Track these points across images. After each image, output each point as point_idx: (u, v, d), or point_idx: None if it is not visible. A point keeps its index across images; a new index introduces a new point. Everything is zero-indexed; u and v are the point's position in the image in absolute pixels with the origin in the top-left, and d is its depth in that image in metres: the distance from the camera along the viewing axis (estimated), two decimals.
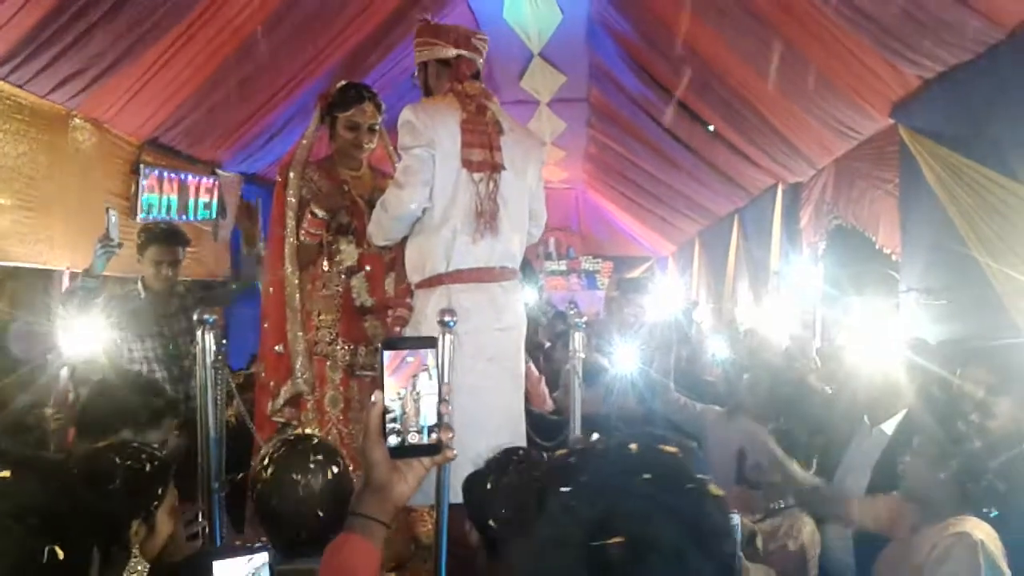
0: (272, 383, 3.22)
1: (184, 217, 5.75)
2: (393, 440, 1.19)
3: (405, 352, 1.20)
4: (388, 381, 1.19)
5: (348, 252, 3.26)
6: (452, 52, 2.95)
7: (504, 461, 2.11)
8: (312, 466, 2.01)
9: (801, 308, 6.09)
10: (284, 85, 5.74)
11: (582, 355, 3.12)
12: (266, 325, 3.29)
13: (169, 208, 5.57)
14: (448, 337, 2.58)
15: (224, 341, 2.63)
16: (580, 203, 13.26)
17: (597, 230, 13.44)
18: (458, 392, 2.65)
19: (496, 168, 2.88)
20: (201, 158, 6.08)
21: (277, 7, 4.76)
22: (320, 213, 3.15)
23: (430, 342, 1.24)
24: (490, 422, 2.77)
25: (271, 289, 3.28)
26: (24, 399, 3.26)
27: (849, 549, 2.88)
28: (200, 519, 2.48)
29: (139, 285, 4.01)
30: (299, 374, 3.15)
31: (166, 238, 4.04)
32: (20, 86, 3.97)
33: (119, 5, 3.81)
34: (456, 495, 2.29)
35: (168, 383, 3.72)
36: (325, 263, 3.24)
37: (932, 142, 3.93)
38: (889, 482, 2.58)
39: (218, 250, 6.62)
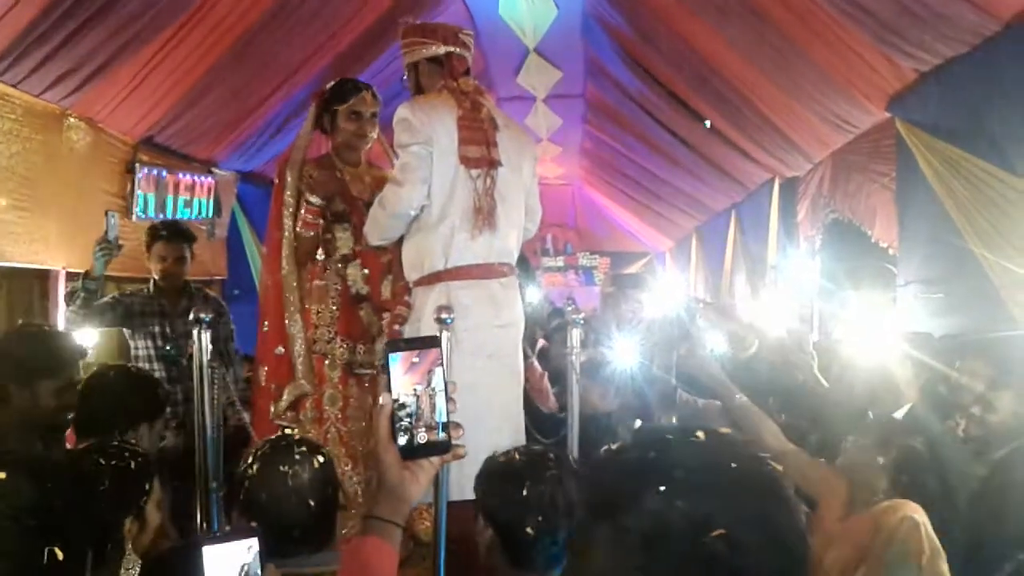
0: (274, 386, 3.19)
1: (180, 216, 5.73)
2: (403, 440, 1.20)
3: (413, 353, 1.22)
4: (400, 380, 1.21)
5: (344, 240, 3.25)
6: (442, 49, 2.95)
7: (536, 464, 2.02)
8: (298, 457, 2.01)
9: (798, 302, 6.09)
10: (279, 84, 5.73)
11: (579, 351, 3.12)
12: (266, 328, 3.27)
13: (165, 207, 5.55)
14: (446, 334, 2.58)
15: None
16: (577, 199, 13.26)
17: (594, 226, 13.45)
18: (458, 390, 2.67)
19: (493, 164, 2.87)
20: (197, 157, 6.07)
21: (271, 5, 4.75)
22: (315, 200, 3.14)
23: (434, 341, 1.25)
24: (490, 420, 2.77)
25: (270, 291, 3.27)
26: None
27: None
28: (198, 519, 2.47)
29: (149, 284, 4.03)
30: (301, 375, 3.14)
31: (171, 235, 4.07)
32: (13, 85, 3.95)
33: (112, 3, 3.80)
34: (454, 492, 2.28)
35: (166, 383, 3.71)
36: (321, 253, 3.23)
37: (929, 135, 3.93)
38: (923, 482, 2.57)
39: (214, 249, 6.61)
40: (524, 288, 3.49)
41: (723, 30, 5.08)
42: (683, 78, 6.24)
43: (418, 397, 1.21)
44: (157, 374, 3.82)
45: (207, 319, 2.54)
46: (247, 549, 1.43)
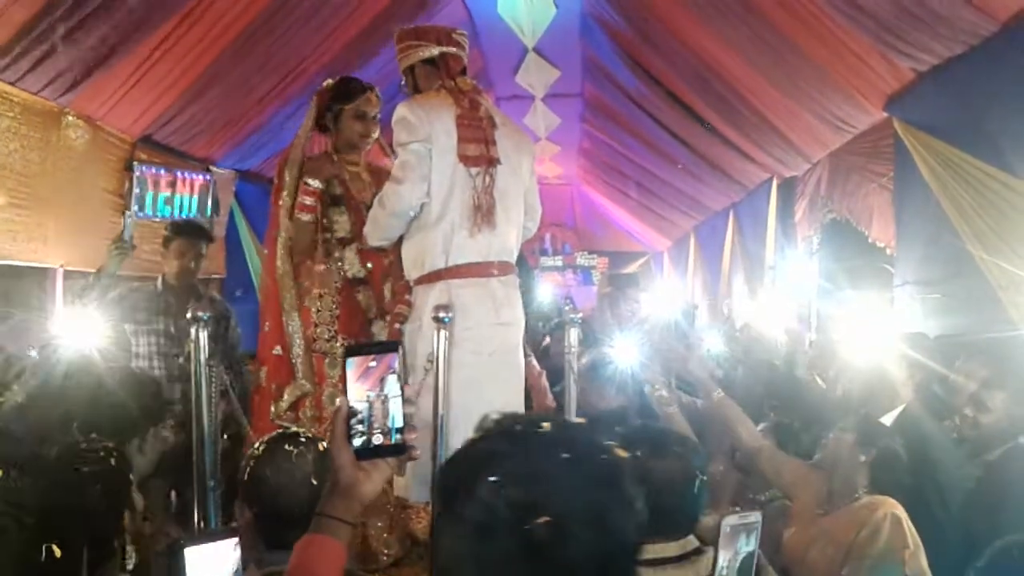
0: (274, 386, 3.19)
1: (178, 214, 5.72)
2: (358, 442, 1.23)
3: (369, 357, 1.24)
4: (354, 386, 1.23)
5: (341, 224, 3.25)
6: (436, 50, 2.96)
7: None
8: (303, 440, 2.05)
9: (796, 302, 6.10)
10: (278, 82, 5.72)
11: (577, 350, 3.13)
12: (266, 328, 3.27)
13: (163, 205, 5.55)
14: (443, 333, 2.58)
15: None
16: (575, 199, 13.26)
17: (592, 226, 13.46)
18: (459, 387, 2.68)
19: (492, 162, 2.88)
20: (195, 155, 6.06)
21: (269, 3, 4.74)
22: (314, 183, 3.15)
23: (393, 346, 1.27)
24: None
25: (269, 291, 3.27)
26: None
27: None
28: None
29: (158, 281, 4.03)
30: (301, 374, 3.14)
31: (191, 231, 4.13)
32: (11, 83, 3.95)
33: (110, 1, 3.79)
34: None
35: (166, 381, 3.72)
36: (319, 235, 3.23)
37: (927, 135, 3.93)
38: (899, 480, 2.59)
39: (213, 248, 6.59)
40: (532, 288, 3.49)
41: (721, 30, 5.08)
42: (681, 77, 6.24)
43: (371, 403, 1.23)
44: (156, 372, 3.82)
45: (205, 317, 2.53)
46: (229, 547, 1.44)
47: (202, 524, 2.46)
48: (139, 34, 4.22)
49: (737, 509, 2.91)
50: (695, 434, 2.72)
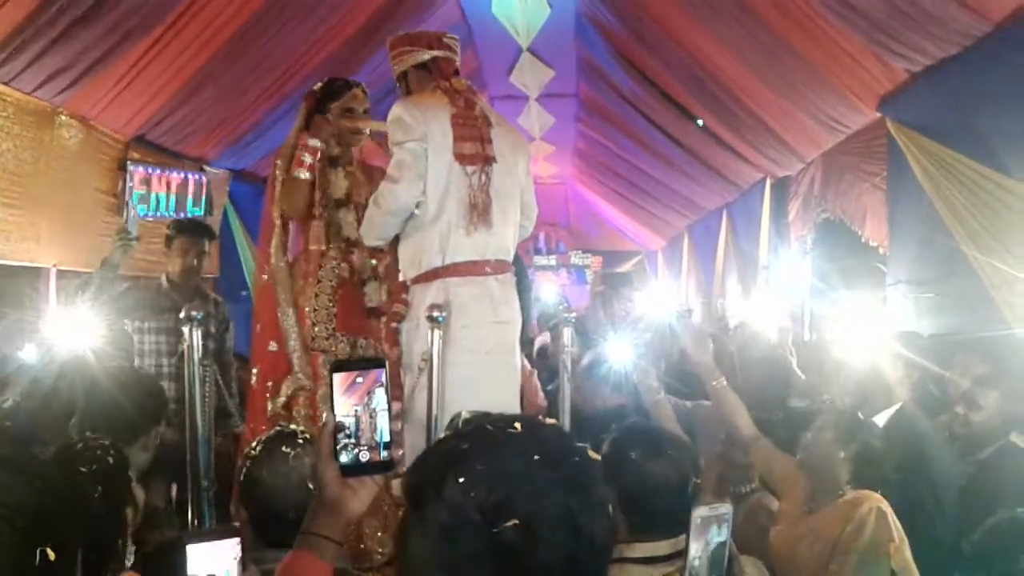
0: (269, 383, 3.16)
1: (172, 214, 5.71)
2: (345, 458, 1.21)
3: (355, 373, 1.23)
4: (340, 401, 1.21)
5: (337, 186, 3.23)
6: (427, 55, 2.98)
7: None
8: (300, 441, 2.03)
9: (790, 301, 6.12)
10: (271, 82, 5.71)
11: (571, 349, 3.13)
12: (259, 327, 3.24)
13: (157, 205, 5.54)
14: (437, 332, 2.58)
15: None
16: (569, 198, 13.28)
17: (586, 225, 13.47)
18: (455, 386, 2.68)
19: (488, 161, 2.88)
20: (188, 155, 6.05)
21: (263, 3, 4.74)
22: (313, 141, 3.14)
23: (379, 362, 1.25)
24: None
25: (263, 288, 3.26)
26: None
27: None
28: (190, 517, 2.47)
29: (163, 278, 4.02)
30: (298, 368, 3.13)
31: (194, 229, 4.10)
32: (5, 83, 3.94)
33: (103, 1, 3.79)
34: None
35: (166, 379, 3.70)
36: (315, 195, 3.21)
37: (920, 135, 3.95)
38: (882, 476, 2.60)
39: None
40: (528, 288, 3.49)
41: (715, 30, 5.10)
42: (675, 77, 6.26)
43: (358, 418, 1.21)
44: (166, 369, 3.81)
45: (199, 317, 2.53)
46: (231, 545, 1.44)
47: (196, 523, 2.47)
48: (133, 34, 4.22)
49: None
50: (687, 435, 2.72)
